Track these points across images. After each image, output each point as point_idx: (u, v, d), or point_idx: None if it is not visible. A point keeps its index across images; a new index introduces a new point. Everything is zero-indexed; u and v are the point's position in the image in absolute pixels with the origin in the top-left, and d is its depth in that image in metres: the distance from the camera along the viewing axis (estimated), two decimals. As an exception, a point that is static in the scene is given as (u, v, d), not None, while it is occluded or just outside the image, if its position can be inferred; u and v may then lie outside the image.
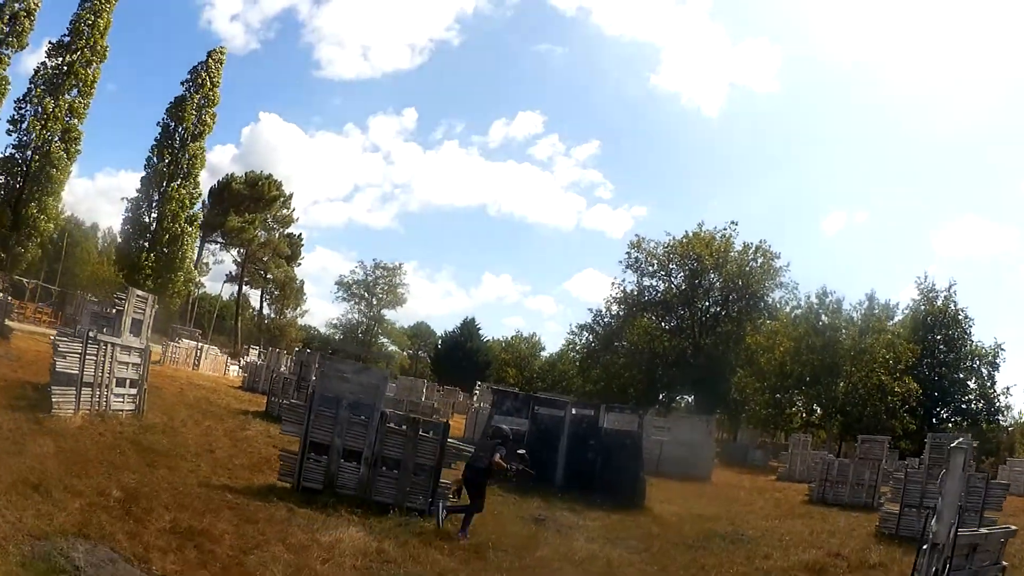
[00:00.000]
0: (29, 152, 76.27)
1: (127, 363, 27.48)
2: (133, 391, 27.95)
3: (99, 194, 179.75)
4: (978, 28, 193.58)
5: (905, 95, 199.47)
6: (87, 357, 24.82)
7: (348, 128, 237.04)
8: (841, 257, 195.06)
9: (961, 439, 17.15)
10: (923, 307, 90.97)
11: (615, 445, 31.25)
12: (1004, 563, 16.91)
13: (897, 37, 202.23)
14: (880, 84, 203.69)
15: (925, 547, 12.31)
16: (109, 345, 26.21)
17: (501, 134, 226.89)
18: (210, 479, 20.05)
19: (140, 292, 29.39)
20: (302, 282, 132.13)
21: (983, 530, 17.52)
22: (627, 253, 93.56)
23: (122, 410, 26.84)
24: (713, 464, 50.04)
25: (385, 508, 19.57)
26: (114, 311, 28.43)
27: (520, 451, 21.21)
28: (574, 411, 32.83)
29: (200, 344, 69.80)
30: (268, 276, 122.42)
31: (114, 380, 26.51)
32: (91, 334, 25.76)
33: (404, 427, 20.92)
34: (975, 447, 32.97)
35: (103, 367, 25.76)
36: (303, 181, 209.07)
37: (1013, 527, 18.20)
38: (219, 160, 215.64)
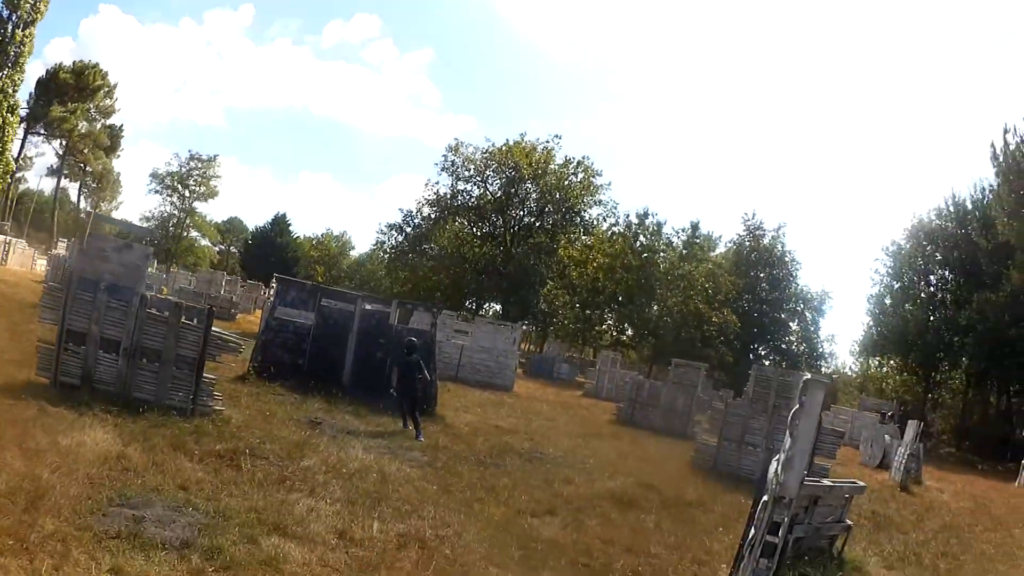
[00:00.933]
0: None
1: None
2: None
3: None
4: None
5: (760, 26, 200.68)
6: None
7: (184, 21, 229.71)
8: (665, 188, 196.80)
9: (811, 374, 15.33)
10: (748, 243, 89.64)
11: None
12: (848, 522, 15.77)
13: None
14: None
15: (765, 498, 10.63)
16: None
17: (336, 35, 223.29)
18: None
19: None
20: (119, 174, 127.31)
21: (827, 481, 16.26)
22: (443, 156, 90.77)
23: None
24: (516, 374, 49.00)
25: (144, 405, 17.70)
26: None
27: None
28: (365, 306, 30.52)
29: (7, 239, 67.05)
30: (87, 169, 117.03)
31: None
32: None
33: (166, 313, 18.80)
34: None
35: None
36: (135, 73, 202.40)
37: (861, 483, 17.09)
38: (56, 54, 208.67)
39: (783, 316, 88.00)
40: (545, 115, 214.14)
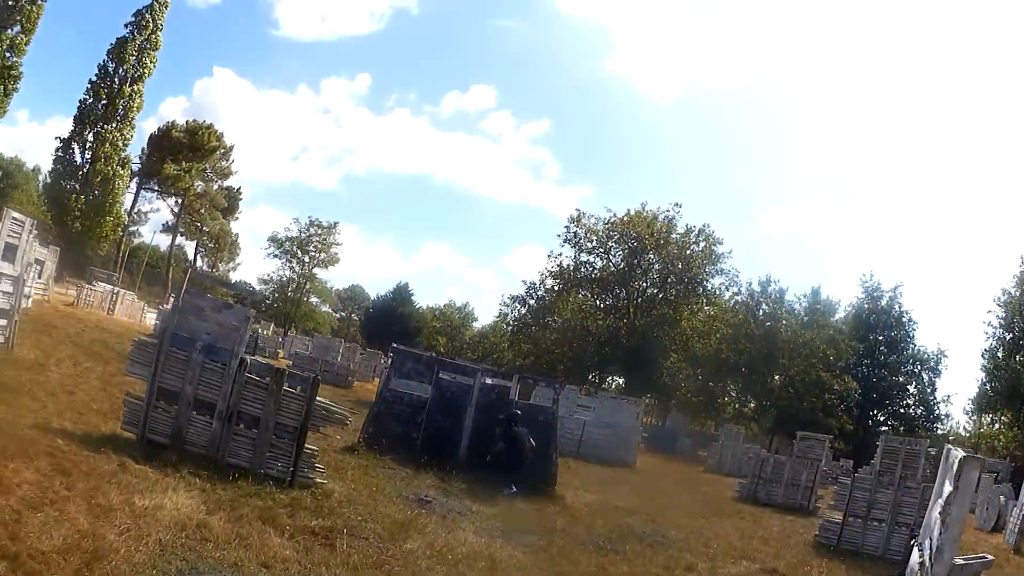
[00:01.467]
0: None
1: None
2: (3, 322, 25.23)
3: (52, 138, 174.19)
4: (938, 30, 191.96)
5: (861, 98, 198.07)
6: None
7: (300, 88, 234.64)
8: (782, 253, 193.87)
9: (960, 452, 13.47)
10: (866, 306, 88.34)
11: (527, 421, 27.04)
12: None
13: (846, 38, 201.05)
14: (838, 84, 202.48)
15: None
16: None
17: (453, 105, 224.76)
18: (49, 422, 17.03)
19: (16, 214, 26.18)
20: (237, 235, 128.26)
21: (959, 559, 14.43)
22: (566, 227, 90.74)
23: None
24: (638, 450, 47.03)
25: (238, 472, 16.40)
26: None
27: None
28: (485, 380, 28.81)
29: (116, 289, 66.88)
30: (204, 228, 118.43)
31: None
32: None
33: (267, 379, 17.40)
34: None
35: None
36: (252, 138, 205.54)
37: (989, 556, 15.20)
38: (170, 112, 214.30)
39: (901, 379, 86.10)
40: (664, 179, 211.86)
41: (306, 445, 17.34)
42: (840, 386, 75.38)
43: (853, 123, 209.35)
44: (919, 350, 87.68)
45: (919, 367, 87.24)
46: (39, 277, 44.10)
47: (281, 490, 16.14)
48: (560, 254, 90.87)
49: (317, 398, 17.58)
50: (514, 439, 24.99)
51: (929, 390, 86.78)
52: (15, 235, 25.28)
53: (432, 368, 28.52)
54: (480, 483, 23.62)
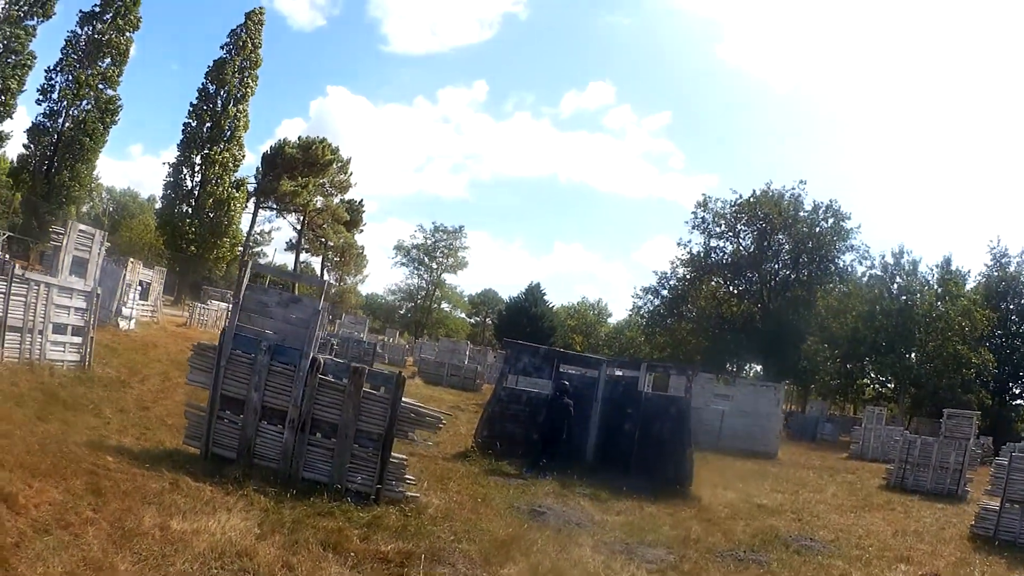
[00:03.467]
0: (60, 120, 73.61)
1: (68, 307, 23.39)
2: (78, 340, 23.81)
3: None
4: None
5: (965, 71, 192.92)
6: (13, 298, 21.12)
7: (418, 100, 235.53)
8: (905, 229, 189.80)
9: None
10: (995, 273, 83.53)
11: (657, 413, 24.97)
12: None
13: (959, 13, 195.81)
14: (944, 60, 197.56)
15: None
16: (43, 285, 22.27)
17: (573, 104, 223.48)
18: (106, 439, 15.90)
19: (84, 226, 24.68)
20: (363, 248, 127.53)
21: None
22: (693, 213, 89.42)
23: (62, 360, 23.23)
24: (779, 439, 44.55)
25: (315, 488, 14.43)
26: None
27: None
28: (610, 371, 26.61)
29: (231, 307, 64.96)
30: (328, 243, 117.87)
31: (50, 326, 22.57)
32: (19, 272, 22.23)
33: (344, 380, 15.12)
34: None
35: (35, 310, 21.92)
36: (374, 152, 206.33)
37: None
38: (288, 134, 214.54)
39: None
40: (786, 160, 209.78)
41: (393, 454, 15.05)
42: (978, 359, 71.49)
43: (967, 93, 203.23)
44: None
45: None
46: (141, 298, 43.46)
47: (362, 507, 14.07)
48: (690, 241, 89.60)
49: (404, 400, 15.24)
50: (561, 411, 23.52)
51: None
52: (84, 248, 24.16)
53: (551, 362, 26.28)
54: (607, 486, 21.30)
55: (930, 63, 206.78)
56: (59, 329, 23.00)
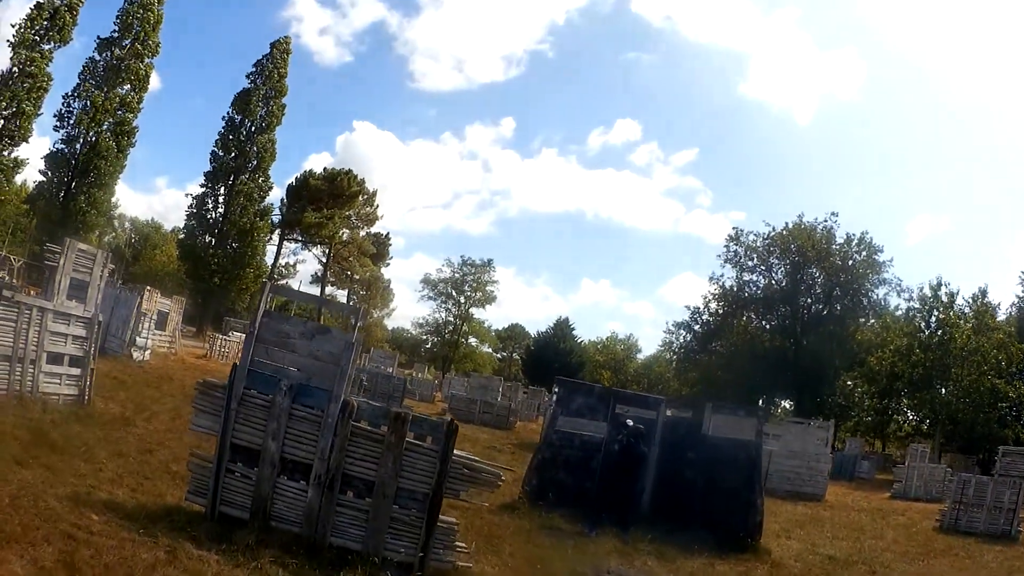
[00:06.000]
0: (78, 146, 73.38)
1: (65, 335, 20.87)
2: (76, 371, 21.26)
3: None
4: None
5: (987, 101, 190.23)
6: (1, 323, 18.76)
7: (445, 137, 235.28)
8: (933, 262, 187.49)
9: None
10: None
11: (723, 459, 22.04)
12: None
13: (981, 43, 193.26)
14: (965, 89, 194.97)
15: None
16: (36, 309, 19.66)
17: (599, 141, 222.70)
18: (96, 490, 13.26)
19: (84, 245, 22.21)
20: (389, 281, 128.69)
21: None
22: (725, 246, 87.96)
23: (58, 394, 20.66)
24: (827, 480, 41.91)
25: (346, 557, 11.63)
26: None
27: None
28: (669, 412, 23.65)
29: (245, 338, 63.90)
30: (354, 276, 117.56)
31: (44, 355, 20.06)
32: (7, 294, 19.30)
33: (382, 428, 12.22)
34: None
35: (26, 337, 19.35)
36: (400, 188, 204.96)
37: None
38: (315, 168, 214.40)
39: None
40: (814, 195, 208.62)
41: (441, 516, 12.11)
42: (1015, 393, 69.97)
43: (987, 121, 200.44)
44: None
45: None
46: (158, 328, 41.65)
47: None
48: (722, 275, 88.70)
49: (456, 452, 12.26)
50: (634, 460, 20.76)
51: None
52: (84, 270, 21.63)
53: (607, 402, 23.18)
54: (669, 541, 18.65)
55: (953, 88, 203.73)
56: (55, 359, 20.47)
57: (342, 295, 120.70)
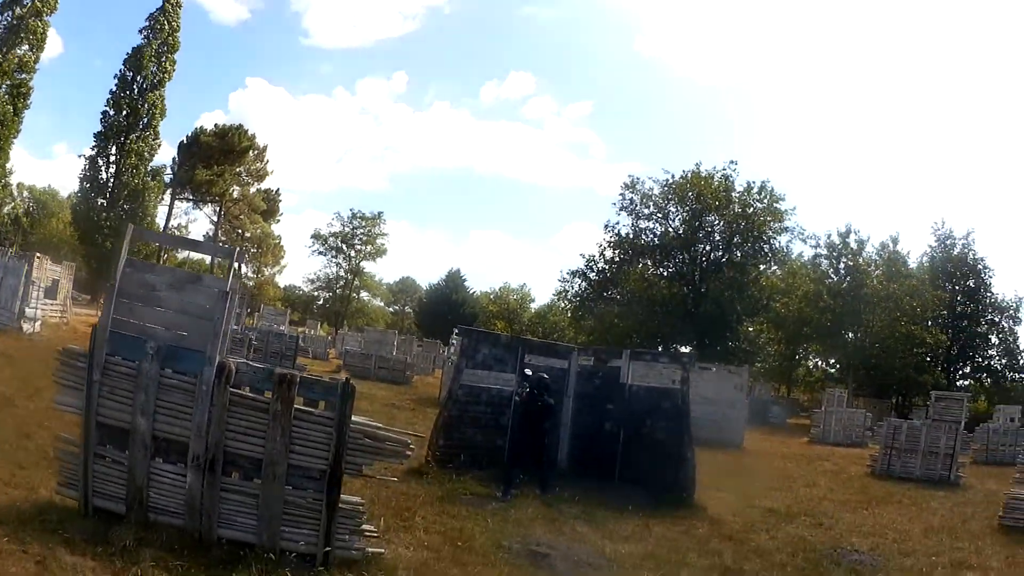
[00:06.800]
0: None
1: None
2: None
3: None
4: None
5: (889, 47, 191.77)
6: None
7: (337, 92, 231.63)
8: (838, 212, 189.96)
9: None
10: (939, 255, 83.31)
11: (647, 410, 20.91)
12: None
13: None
14: (866, 35, 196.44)
15: None
16: None
17: (493, 95, 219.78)
18: None
19: None
20: (280, 238, 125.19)
21: None
22: (621, 194, 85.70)
23: None
24: (745, 427, 41.10)
25: (240, 551, 9.78)
26: None
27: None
28: (583, 361, 22.60)
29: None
30: (245, 234, 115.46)
31: None
32: None
33: (267, 394, 10.16)
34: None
35: None
36: (292, 144, 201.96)
37: None
38: (207, 127, 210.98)
39: (982, 329, 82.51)
40: (711, 150, 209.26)
41: (344, 496, 10.17)
42: (932, 339, 72.12)
43: (899, 71, 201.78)
44: (997, 298, 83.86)
45: (999, 316, 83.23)
46: (48, 297, 40.06)
47: (308, 574, 9.69)
48: (617, 223, 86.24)
49: (355, 418, 10.27)
50: (540, 413, 18.83)
51: (1011, 339, 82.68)
52: None
53: (515, 352, 21.75)
54: (595, 501, 17.61)
55: (855, 35, 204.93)
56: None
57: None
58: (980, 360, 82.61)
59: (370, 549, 10.40)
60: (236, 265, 11.17)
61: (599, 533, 15.08)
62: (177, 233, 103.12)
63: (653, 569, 12.92)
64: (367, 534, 10.48)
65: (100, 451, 10.14)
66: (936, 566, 15.50)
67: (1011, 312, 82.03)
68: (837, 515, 20.88)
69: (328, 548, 9.92)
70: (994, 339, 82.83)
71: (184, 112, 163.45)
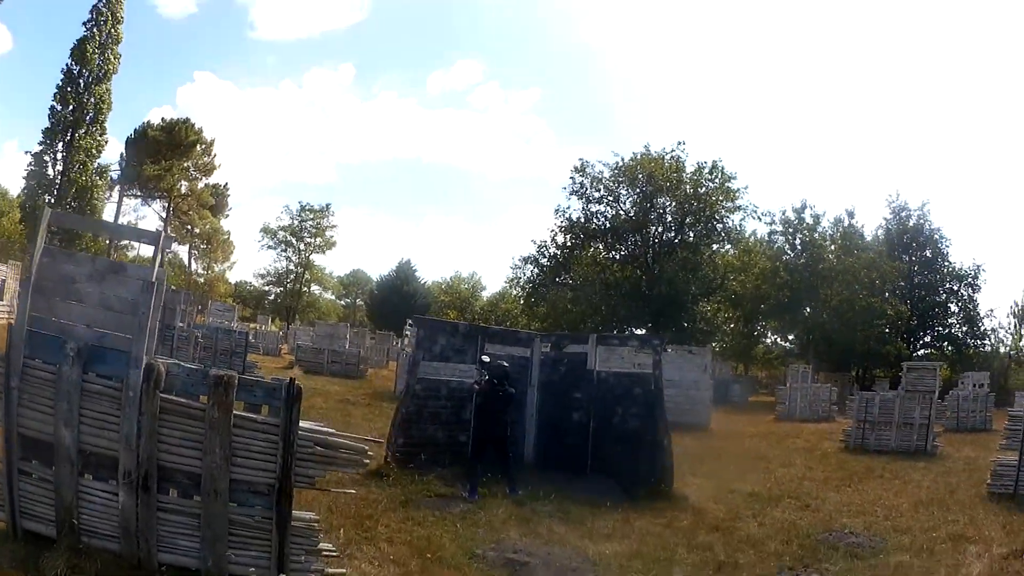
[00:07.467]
0: None
1: None
2: None
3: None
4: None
5: (839, 22, 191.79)
6: None
7: (284, 84, 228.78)
8: (792, 189, 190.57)
9: None
10: (894, 227, 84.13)
11: (619, 398, 19.72)
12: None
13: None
14: (820, 15, 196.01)
15: None
16: None
17: (440, 84, 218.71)
18: None
19: None
20: (228, 233, 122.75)
21: None
22: (571, 178, 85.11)
23: None
24: (711, 408, 40.58)
25: None
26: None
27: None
28: (546, 348, 21.54)
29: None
30: (194, 230, 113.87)
31: None
32: None
33: (203, 400, 8.83)
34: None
35: None
36: (240, 139, 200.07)
37: None
38: (155, 121, 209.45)
39: (941, 298, 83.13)
40: (661, 133, 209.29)
41: (296, 513, 8.81)
42: (892, 311, 72.30)
43: (847, 43, 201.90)
44: (955, 267, 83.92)
45: (958, 284, 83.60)
46: None
47: None
48: (568, 207, 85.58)
49: (304, 424, 8.91)
50: (501, 403, 17.73)
51: (971, 307, 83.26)
52: None
53: (474, 341, 20.59)
54: (570, 496, 16.59)
55: (801, 13, 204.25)
56: None
57: (183, 251, 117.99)
58: (941, 329, 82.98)
59: (329, 570, 9.16)
60: (161, 255, 9.57)
61: (578, 532, 14.07)
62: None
63: (642, 570, 12.00)
64: (325, 553, 9.17)
65: (24, 467, 8.86)
66: (936, 541, 15.01)
67: (970, 280, 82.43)
68: (821, 495, 20.33)
69: (282, 573, 8.63)
70: (954, 307, 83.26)
71: (133, 108, 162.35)
